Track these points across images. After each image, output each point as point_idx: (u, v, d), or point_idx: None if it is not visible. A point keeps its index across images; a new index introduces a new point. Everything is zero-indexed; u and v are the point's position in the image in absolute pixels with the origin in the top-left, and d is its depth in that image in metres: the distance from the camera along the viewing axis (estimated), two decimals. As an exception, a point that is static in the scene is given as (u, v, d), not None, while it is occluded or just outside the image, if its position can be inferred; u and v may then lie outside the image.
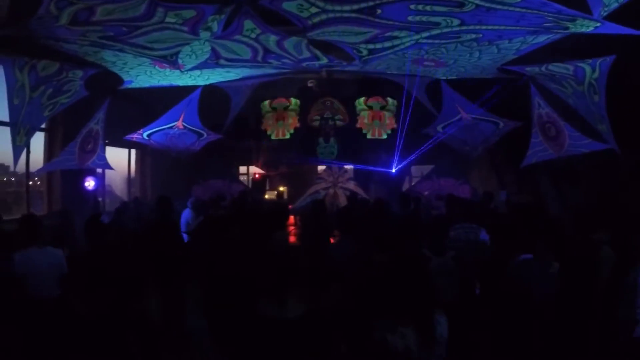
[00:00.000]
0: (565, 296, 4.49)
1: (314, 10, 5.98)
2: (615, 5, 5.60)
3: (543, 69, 8.29)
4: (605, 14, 5.69)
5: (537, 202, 10.76)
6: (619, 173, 9.14)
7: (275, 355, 2.99)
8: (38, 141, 10.07)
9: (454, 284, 4.29)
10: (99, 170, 11.34)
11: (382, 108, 14.99)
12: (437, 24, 6.22)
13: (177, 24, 6.36)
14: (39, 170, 9.85)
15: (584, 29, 5.99)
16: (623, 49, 6.90)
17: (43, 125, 9.30)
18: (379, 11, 5.82)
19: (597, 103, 7.96)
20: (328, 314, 3.20)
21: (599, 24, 5.71)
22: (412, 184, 15.24)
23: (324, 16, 6.12)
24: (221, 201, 11.30)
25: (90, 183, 10.21)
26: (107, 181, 13.39)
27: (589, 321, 4.58)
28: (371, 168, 15.34)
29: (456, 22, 6.12)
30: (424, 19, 6.01)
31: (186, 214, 8.96)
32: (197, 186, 12.75)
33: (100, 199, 11.87)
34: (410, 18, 6.00)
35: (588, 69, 7.70)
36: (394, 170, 15.11)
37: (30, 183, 10.32)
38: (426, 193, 12.60)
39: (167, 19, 6.18)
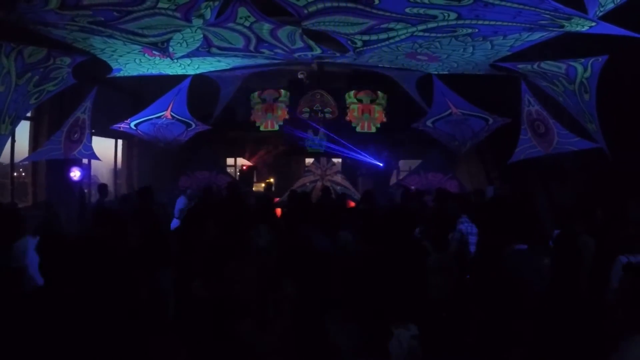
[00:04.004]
0: (555, 286, 4.56)
1: (310, -2, 5.90)
2: (611, 5, 5.59)
3: (535, 66, 8.30)
4: (600, 14, 5.69)
5: (523, 197, 10.85)
6: (606, 172, 9.22)
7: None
8: (23, 130, 9.88)
9: (451, 281, 4.22)
10: (85, 160, 11.15)
11: (372, 101, 14.97)
12: (434, 17, 6.16)
13: (169, 9, 6.21)
14: (23, 160, 9.65)
15: (579, 28, 5.98)
16: (616, 50, 6.94)
17: (29, 114, 9.11)
18: (376, 1, 5.74)
19: (588, 102, 8.02)
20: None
21: (594, 24, 5.70)
22: (400, 177, 15.26)
23: (320, 5, 6.01)
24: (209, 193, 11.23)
25: (75, 174, 10.00)
26: (93, 172, 13.17)
27: (578, 310, 4.64)
28: (360, 160, 15.36)
29: (453, 15, 6.06)
30: (422, 11, 5.94)
31: (180, 202, 9.60)
32: (184, 177, 12.60)
33: (86, 190, 11.67)
34: (407, 10, 5.94)
35: (580, 68, 7.72)
36: (382, 164, 15.17)
37: (15, 174, 10.12)
38: (413, 187, 12.59)
39: (160, 4, 6.03)
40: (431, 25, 6.51)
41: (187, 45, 8.07)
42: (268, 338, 3.34)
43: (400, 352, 2.74)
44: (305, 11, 6.26)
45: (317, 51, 8.74)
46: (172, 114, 11.73)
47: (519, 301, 4.01)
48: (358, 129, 15.08)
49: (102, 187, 9.96)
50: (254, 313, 3.36)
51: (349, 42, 7.56)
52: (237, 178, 15.29)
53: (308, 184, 15.21)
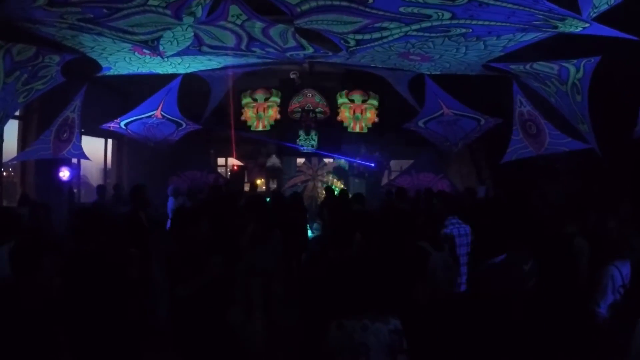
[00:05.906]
0: (545, 290, 4.51)
1: (303, -4, 5.85)
2: (605, 7, 5.59)
3: (528, 67, 8.30)
4: (594, 15, 5.68)
5: (515, 198, 10.86)
6: (598, 172, 9.25)
7: None
8: (12, 129, 9.76)
9: (453, 278, 4.21)
10: (74, 160, 11.01)
11: (364, 101, 14.96)
12: (428, 17, 6.13)
13: (160, 7, 6.13)
14: (12, 160, 9.53)
15: (572, 29, 5.98)
16: (609, 51, 6.95)
17: (17, 113, 9.01)
18: (370, 0, 5.70)
19: (580, 103, 8.03)
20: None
21: (587, 25, 5.70)
22: (391, 177, 15.25)
23: (313, 3, 5.96)
24: (198, 193, 11.15)
25: (65, 173, 9.85)
26: (82, 172, 13.04)
27: (571, 315, 4.59)
28: (351, 161, 15.34)
29: (447, 15, 6.04)
30: (416, 10, 5.91)
31: (170, 203, 9.65)
32: (175, 177, 12.49)
33: (75, 190, 11.54)
34: (402, 9, 5.90)
35: (572, 69, 7.73)
36: (373, 165, 15.16)
37: (4, 173, 10.00)
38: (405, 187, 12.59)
39: (150, 2, 5.95)
40: (425, 24, 6.48)
41: (178, 43, 7.97)
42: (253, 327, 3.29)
43: (378, 346, 2.71)
44: (298, 9, 6.20)
45: (310, 50, 8.68)
46: (163, 113, 11.63)
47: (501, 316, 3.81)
48: (350, 129, 15.05)
49: (101, 189, 9.84)
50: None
51: (342, 41, 7.51)
52: (228, 178, 15.20)
53: (300, 183, 15.21)
